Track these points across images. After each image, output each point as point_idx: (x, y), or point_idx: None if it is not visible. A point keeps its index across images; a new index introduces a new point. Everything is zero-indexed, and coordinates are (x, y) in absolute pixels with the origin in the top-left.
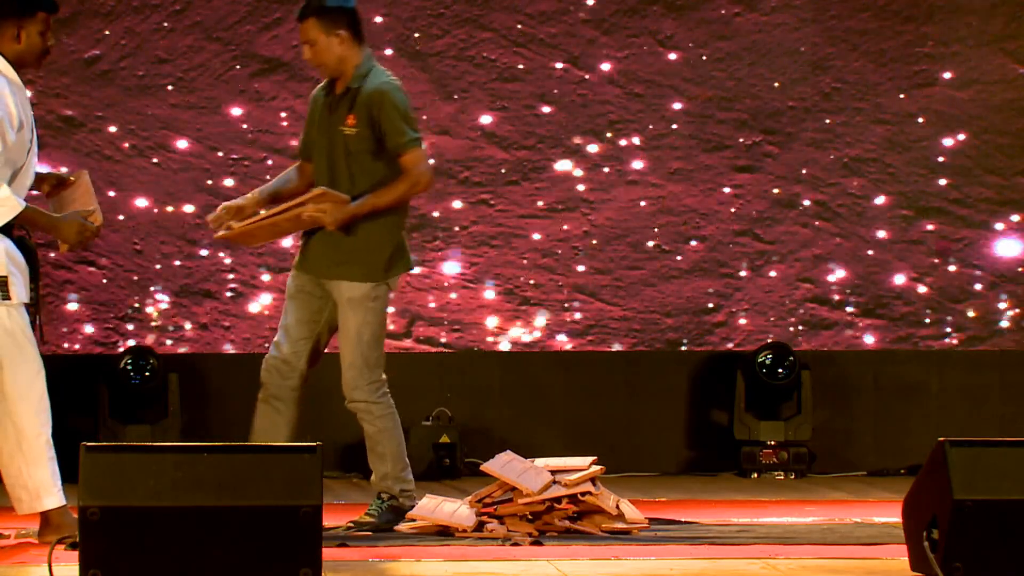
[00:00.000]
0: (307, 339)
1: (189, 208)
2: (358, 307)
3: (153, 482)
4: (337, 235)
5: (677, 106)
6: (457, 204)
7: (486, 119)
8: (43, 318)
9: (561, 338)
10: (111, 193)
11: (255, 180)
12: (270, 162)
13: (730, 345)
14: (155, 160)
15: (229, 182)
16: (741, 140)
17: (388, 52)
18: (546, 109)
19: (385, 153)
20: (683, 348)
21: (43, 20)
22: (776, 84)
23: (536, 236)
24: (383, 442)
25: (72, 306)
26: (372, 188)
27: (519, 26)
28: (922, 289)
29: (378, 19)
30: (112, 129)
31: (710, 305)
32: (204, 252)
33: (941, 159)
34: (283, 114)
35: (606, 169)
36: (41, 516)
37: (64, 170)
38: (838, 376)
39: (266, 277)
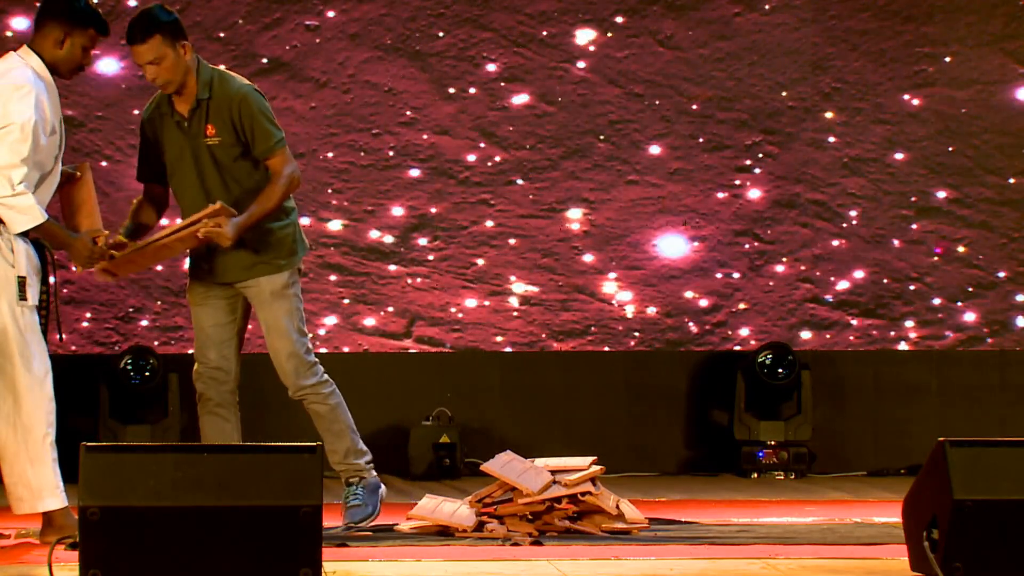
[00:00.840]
0: (230, 340)
1: None
2: (280, 297)
3: (153, 482)
4: (242, 239)
5: (677, 106)
6: (457, 204)
7: (486, 119)
8: (46, 319)
9: (561, 338)
10: (111, 193)
11: None
12: None
13: (730, 345)
14: None
15: None
16: (741, 140)
17: (388, 52)
18: (546, 109)
19: (251, 156)
20: (683, 348)
21: (91, 37)
22: (776, 84)
23: (536, 236)
24: (338, 419)
25: (72, 306)
26: (246, 192)
27: (519, 26)
28: (922, 289)
29: (378, 19)
30: (112, 129)
31: (710, 305)
32: None
33: (941, 159)
34: (283, 114)
35: (606, 169)
36: (43, 517)
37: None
38: (838, 376)
39: None
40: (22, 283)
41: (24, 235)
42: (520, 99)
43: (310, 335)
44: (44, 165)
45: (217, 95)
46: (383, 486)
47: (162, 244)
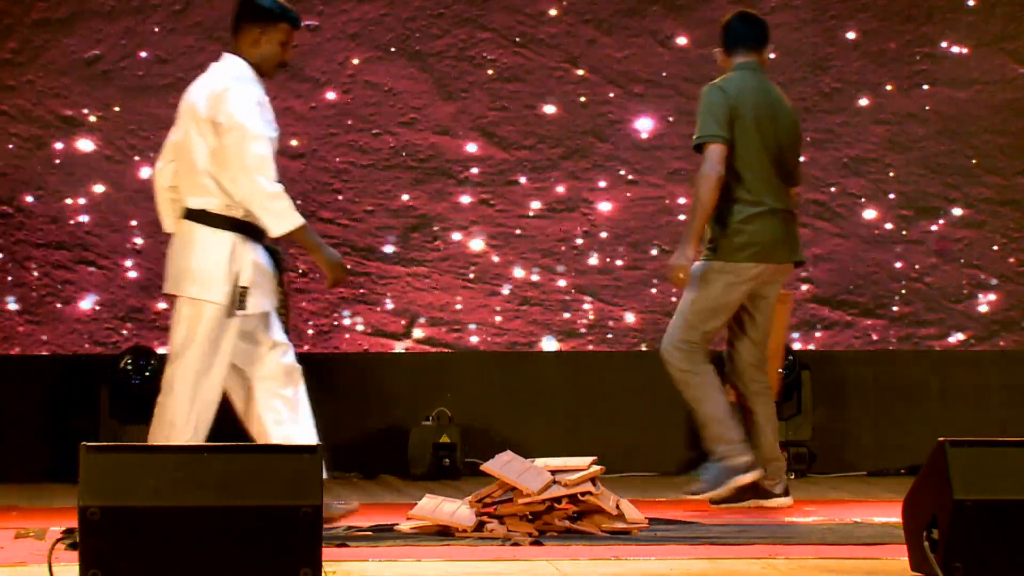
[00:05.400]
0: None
1: None
2: (695, 282)
3: (153, 482)
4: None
5: (677, 106)
6: (457, 204)
7: (486, 119)
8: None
9: (561, 338)
10: (112, 193)
11: None
12: None
13: None
14: (155, 160)
15: None
16: None
17: (388, 52)
18: (546, 109)
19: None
20: None
21: (285, 31)
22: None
23: (536, 236)
24: (696, 409)
25: (72, 306)
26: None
27: (519, 26)
28: (922, 289)
29: (378, 19)
30: (112, 129)
31: None
32: None
33: (941, 159)
34: (283, 114)
35: (606, 169)
36: None
37: None
38: (838, 376)
39: None
40: (244, 293)
41: (254, 239)
42: (520, 99)
43: (689, 333)
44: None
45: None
46: (745, 474)
47: None
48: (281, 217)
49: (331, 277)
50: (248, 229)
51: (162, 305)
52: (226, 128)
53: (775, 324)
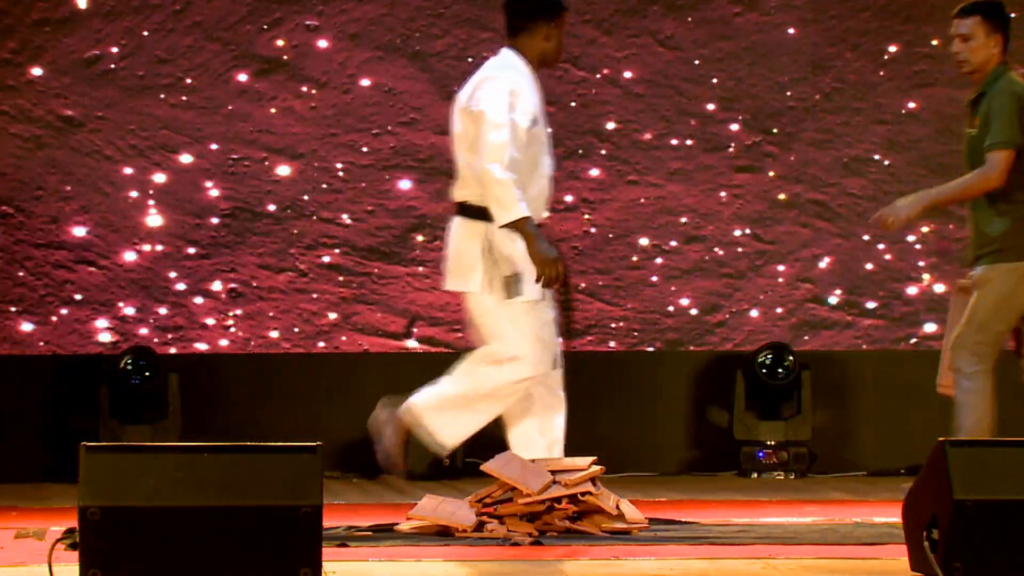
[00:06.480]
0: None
1: (189, 208)
2: (983, 285)
3: (153, 482)
4: (980, 223)
5: (677, 106)
6: None
7: None
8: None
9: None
10: (111, 193)
11: (255, 180)
12: (270, 162)
13: (730, 345)
14: (155, 160)
15: (229, 182)
16: (741, 140)
17: (388, 52)
18: (546, 109)
19: None
20: (683, 348)
21: (566, 20)
22: (776, 84)
23: None
24: (961, 415)
25: (72, 306)
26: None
27: None
28: (922, 289)
29: (378, 19)
30: (112, 129)
31: (710, 305)
32: (204, 252)
33: (941, 159)
34: (283, 114)
35: (606, 169)
36: None
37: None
38: (838, 376)
39: (266, 277)
40: (507, 282)
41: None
42: None
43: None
44: (530, 156)
45: (988, 91)
46: None
47: None
48: (504, 206)
49: (540, 272)
50: None
51: (163, 305)
52: (474, 115)
53: None
